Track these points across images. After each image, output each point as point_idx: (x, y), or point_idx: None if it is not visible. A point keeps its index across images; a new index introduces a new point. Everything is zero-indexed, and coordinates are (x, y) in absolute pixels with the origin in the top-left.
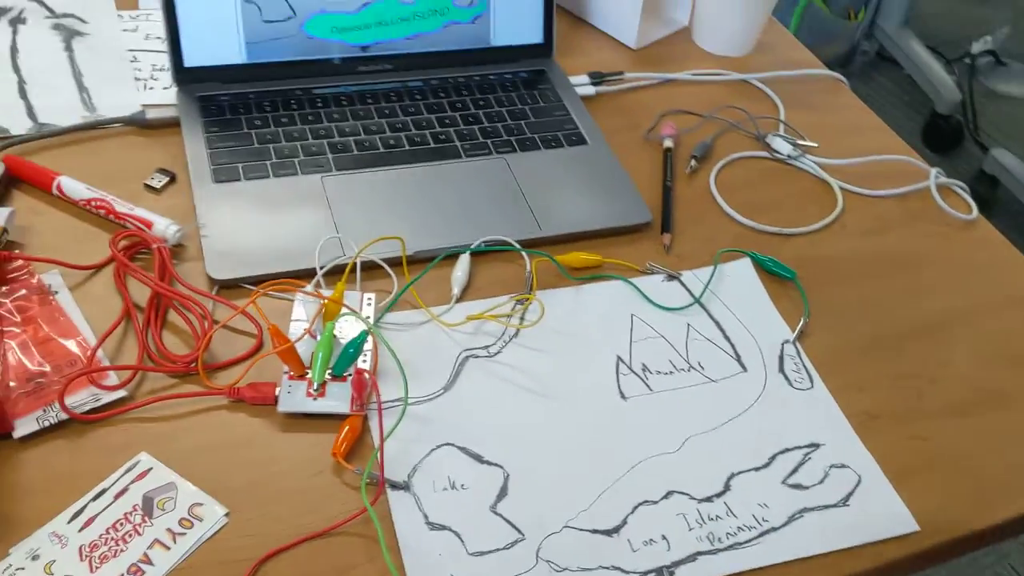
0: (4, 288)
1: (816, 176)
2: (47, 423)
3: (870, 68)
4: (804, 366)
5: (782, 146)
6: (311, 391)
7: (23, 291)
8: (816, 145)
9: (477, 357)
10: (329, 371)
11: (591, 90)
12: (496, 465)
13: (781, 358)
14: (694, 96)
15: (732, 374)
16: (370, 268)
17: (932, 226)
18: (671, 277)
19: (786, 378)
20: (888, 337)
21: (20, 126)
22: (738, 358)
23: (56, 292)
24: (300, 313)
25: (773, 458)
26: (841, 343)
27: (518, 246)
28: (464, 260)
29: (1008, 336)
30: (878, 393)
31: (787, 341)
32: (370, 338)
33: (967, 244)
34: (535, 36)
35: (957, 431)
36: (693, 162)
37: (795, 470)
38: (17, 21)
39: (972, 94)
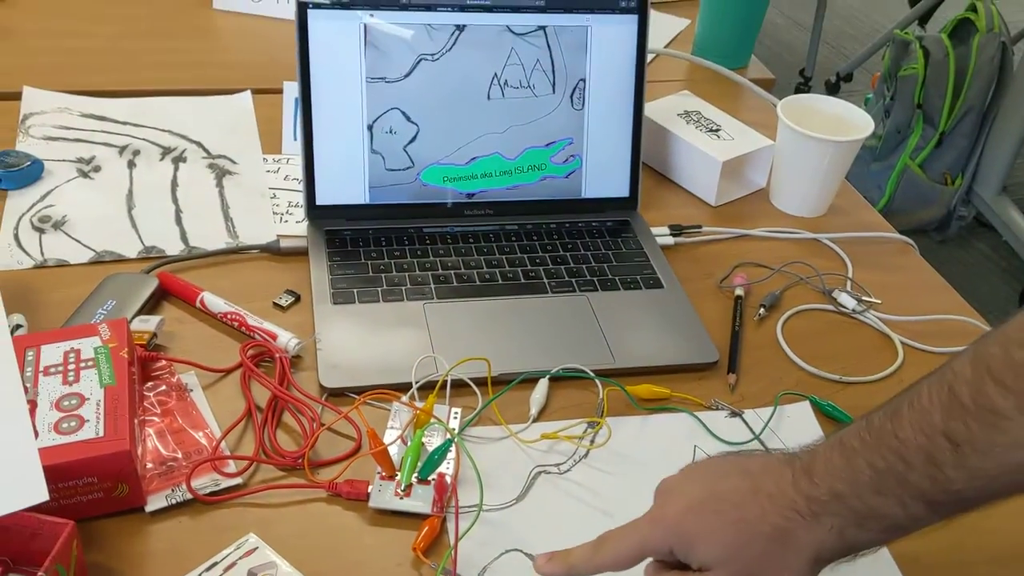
0: (149, 384)
1: (879, 330)
2: (174, 501)
3: (967, 234)
4: None
5: (847, 301)
6: (399, 491)
7: (164, 387)
8: (880, 302)
9: (548, 473)
10: (416, 474)
11: (670, 240)
12: None
13: None
14: (767, 251)
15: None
16: (459, 385)
17: None
18: (734, 414)
19: None
20: None
21: (174, 248)
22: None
23: (191, 390)
24: (395, 421)
25: None
26: None
27: (592, 374)
28: (543, 384)
29: None
30: (930, 543)
31: None
32: (453, 447)
33: None
34: (622, 190)
35: None
36: (762, 310)
37: None
38: (179, 160)
39: None
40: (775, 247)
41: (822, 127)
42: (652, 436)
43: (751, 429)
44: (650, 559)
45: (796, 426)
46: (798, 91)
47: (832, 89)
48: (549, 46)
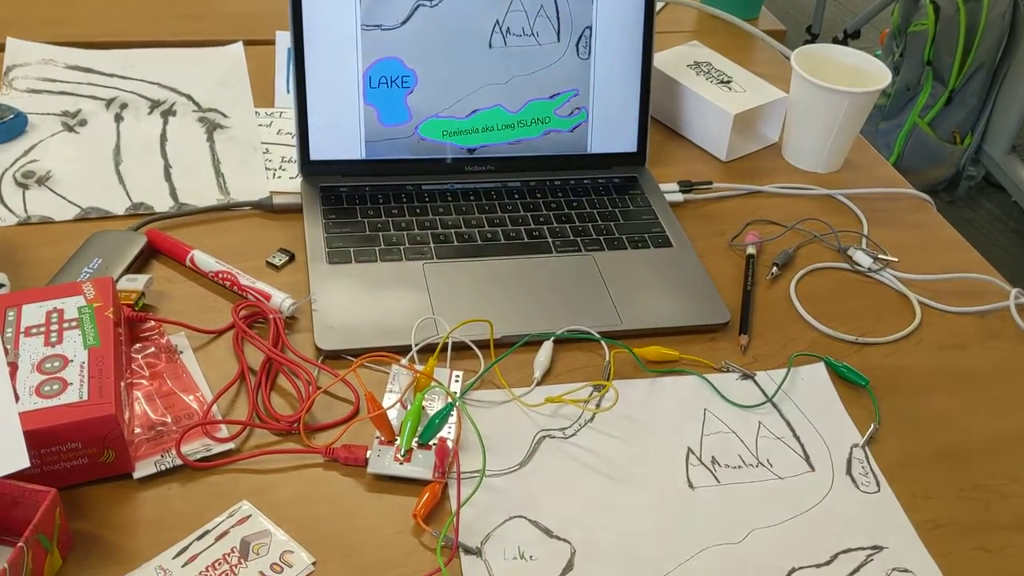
0: (137, 345)
1: (895, 290)
2: (163, 467)
3: (977, 193)
4: (872, 471)
5: (863, 259)
6: (398, 456)
7: (152, 349)
8: (897, 260)
9: (553, 438)
10: (416, 439)
11: (680, 197)
12: (564, 540)
13: (849, 461)
14: (779, 208)
15: (799, 473)
16: (460, 348)
17: (1010, 344)
18: (745, 376)
19: (853, 481)
20: (958, 449)
21: (163, 204)
22: (807, 458)
23: (181, 352)
24: (394, 384)
25: (835, 556)
26: (910, 451)
27: (598, 336)
28: (547, 346)
29: None
30: (945, 503)
31: (856, 445)
32: (455, 412)
33: None
34: (630, 145)
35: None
36: (775, 269)
37: (856, 570)
38: (168, 113)
39: None
40: (788, 204)
41: (837, 78)
42: (660, 399)
43: (763, 391)
44: None
45: (810, 388)
46: None
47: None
48: None
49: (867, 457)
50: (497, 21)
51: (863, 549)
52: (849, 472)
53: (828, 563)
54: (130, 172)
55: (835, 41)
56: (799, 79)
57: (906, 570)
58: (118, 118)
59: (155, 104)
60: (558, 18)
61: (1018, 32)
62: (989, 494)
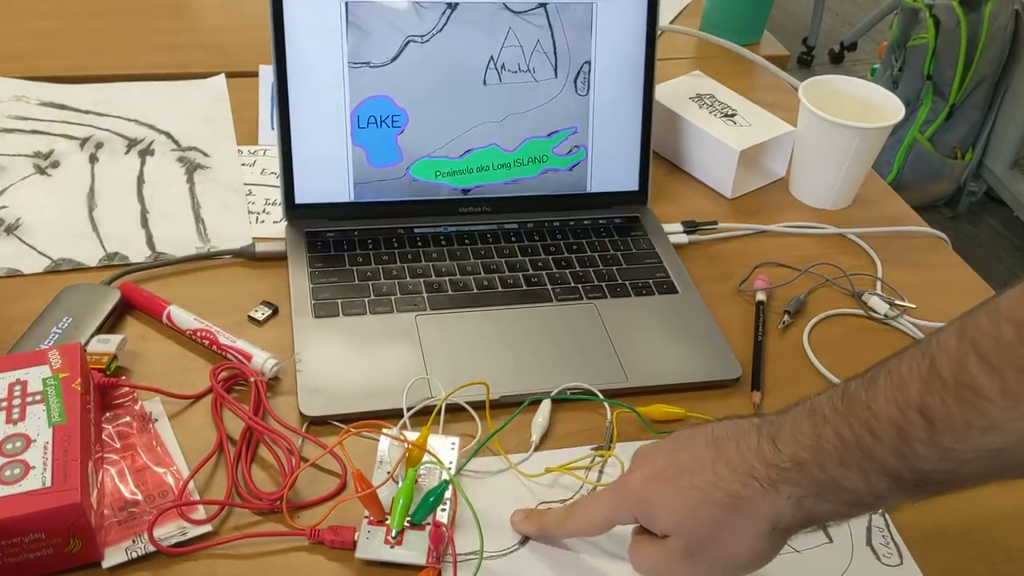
0: (108, 414)
1: (914, 338)
2: (135, 555)
3: (978, 209)
4: (893, 540)
5: (879, 305)
6: (389, 538)
7: (126, 418)
8: (914, 306)
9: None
10: (408, 518)
11: (684, 238)
12: None
13: (869, 530)
14: (788, 248)
15: (817, 544)
16: (455, 410)
17: None
18: None
19: (874, 552)
20: (990, 520)
21: (139, 254)
22: (824, 528)
23: (156, 420)
24: (385, 454)
25: None
26: (935, 519)
27: (600, 396)
28: (545, 407)
29: None
30: (973, 561)
31: (875, 512)
32: (450, 487)
33: None
34: (631, 184)
35: None
36: (786, 317)
37: None
38: (146, 152)
39: None
40: (797, 244)
41: (847, 111)
42: None
43: None
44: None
45: None
46: (800, 62)
47: (836, 59)
48: (551, 25)
49: (887, 525)
50: (492, 57)
51: None
52: (869, 543)
53: None
54: (104, 218)
55: (831, 54)
56: (807, 113)
57: None
58: (93, 159)
59: (132, 143)
60: (555, 53)
61: (1020, 45)
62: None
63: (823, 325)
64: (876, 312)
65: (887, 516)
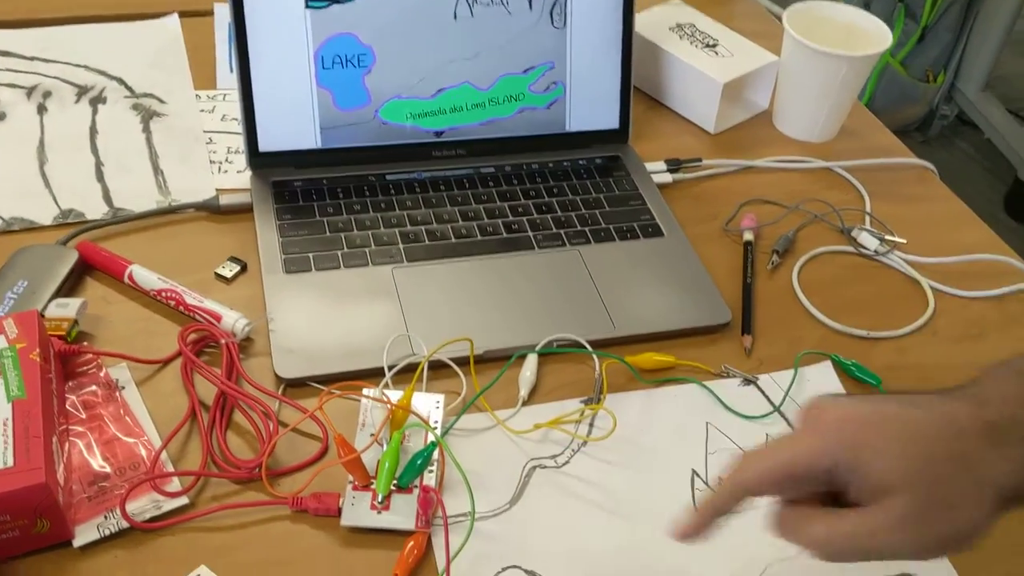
0: (71, 383)
1: (905, 274)
2: (107, 531)
3: (950, 132)
4: None
5: (869, 241)
6: (375, 503)
7: (91, 386)
8: (904, 241)
9: (544, 467)
10: (394, 482)
11: (668, 178)
12: None
13: None
14: (775, 184)
15: None
16: (438, 367)
17: None
18: (748, 381)
19: None
20: None
21: (96, 211)
22: None
23: (123, 387)
24: (367, 417)
25: None
26: None
27: (589, 347)
28: (532, 360)
29: None
30: None
31: None
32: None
33: None
34: (611, 122)
35: None
36: (775, 257)
37: None
38: (98, 101)
39: None
40: (783, 179)
41: (832, 39)
42: (658, 414)
43: (768, 399)
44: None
45: (818, 391)
46: None
47: None
48: None
49: None
50: None
51: None
52: None
53: None
54: (57, 173)
55: None
56: (792, 42)
57: None
58: (41, 109)
59: (82, 91)
60: None
61: None
62: None
63: (812, 264)
64: (866, 248)
65: None
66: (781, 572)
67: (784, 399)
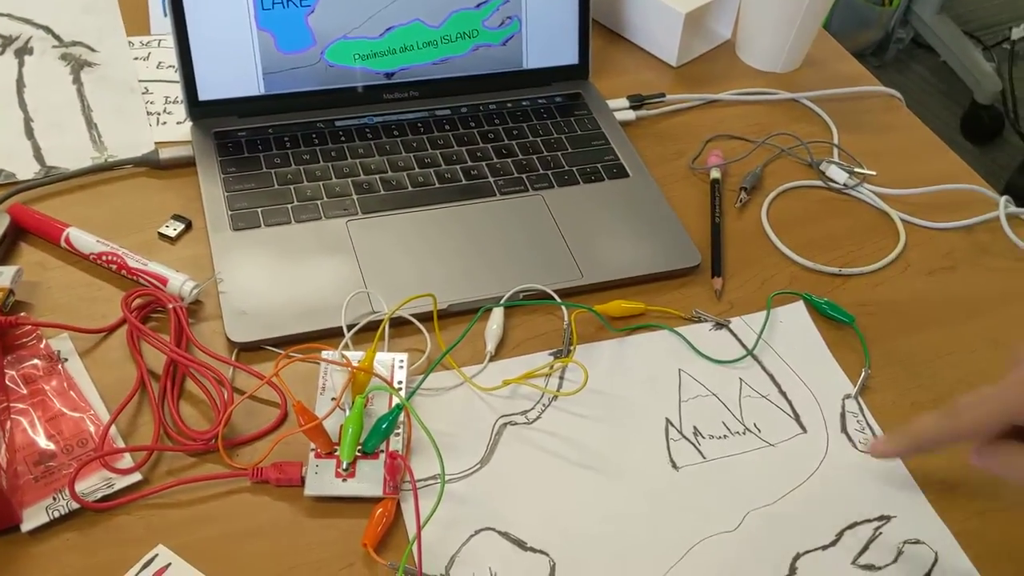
0: (10, 357)
1: (875, 207)
2: (57, 513)
3: (906, 56)
4: (868, 425)
5: (837, 174)
6: (340, 471)
7: (31, 360)
8: (874, 173)
9: (515, 424)
10: (359, 448)
11: (631, 115)
12: (541, 552)
13: (843, 416)
14: (740, 117)
15: (791, 436)
16: (401, 323)
17: (1004, 262)
18: (719, 325)
19: (849, 439)
20: (964, 390)
21: (27, 170)
22: (796, 417)
23: (66, 359)
24: (328, 380)
25: (841, 534)
26: (909, 398)
27: (556, 298)
28: (498, 313)
29: None
30: (955, 457)
31: (848, 396)
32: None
33: None
34: (570, 57)
35: None
36: (743, 194)
37: (865, 548)
38: (24, 51)
39: (1013, 82)
40: (749, 112)
41: None
42: (630, 363)
43: (741, 342)
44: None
45: (791, 333)
46: None
47: None
48: None
49: (861, 409)
50: None
51: (869, 521)
52: (844, 430)
53: (834, 543)
54: None
55: None
56: None
57: (918, 541)
58: None
59: (7, 41)
60: None
61: None
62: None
63: (781, 200)
64: (835, 182)
65: (860, 400)
66: (762, 520)
67: (757, 342)
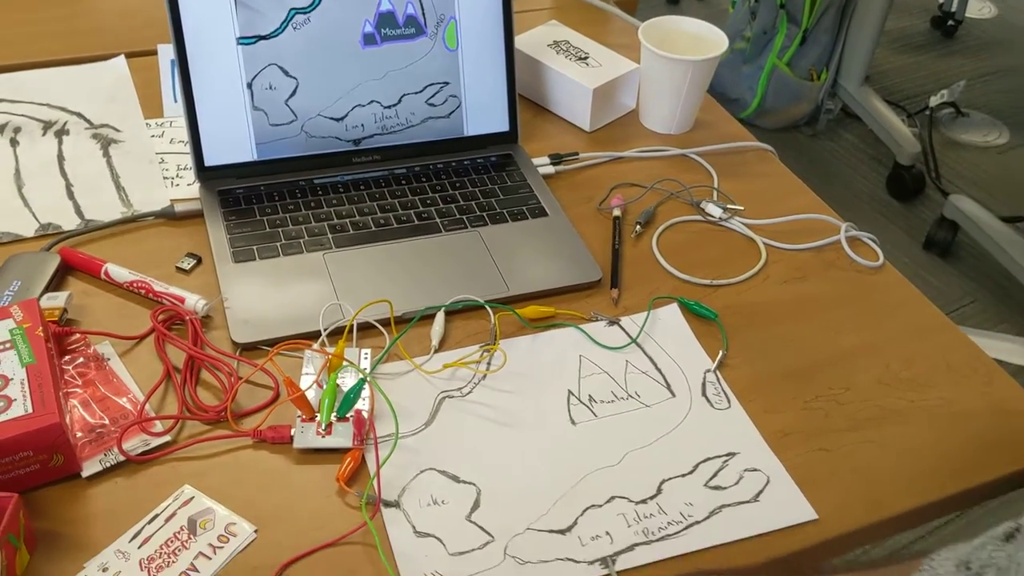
0: (66, 357)
1: (744, 235)
2: (108, 464)
3: (836, 125)
4: (723, 391)
5: (714, 210)
6: (320, 430)
7: (81, 359)
8: (743, 208)
9: (452, 397)
10: (334, 414)
11: (552, 169)
12: (470, 483)
13: (704, 384)
14: (640, 170)
15: (663, 399)
16: (365, 328)
17: (844, 273)
18: (612, 322)
19: (708, 400)
20: (801, 368)
21: (70, 222)
22: (668, 386)
23: (108, 359)
24: (309, 367)
25: (697, 466)
26: (759, 373)
27: (482, 302)
28: (440, 317)
29: (908, 363)
30: (790, 414)
31: (708, 370)
32: (367, 385)
33: (874, 287)
34: (502, 125)
35: (857, 443)
36: (638, 227)
37: (715, 474)
38: (62, 132)
39: (932, 144)
40: (647, 166)
41: (682, 46)
42: (542, 352)
43: (628, 334)
44: None
45: (667, 327)
46: (669, 0)
47: None
48: None
49: (718, 380)
50: (367, 21)
51: (719, 457)
52: (704, 394)
53: (692, 472)
54: (34, 194)
55: None
56: (647, 52)
57: (755, 469)
58: (13, 142)
59: (47, 125)
60: (423, 14)
61: None
62: (828, 403)
63: (669, 232)
64: (712, 216)
65: (718, 373)
66: (638, 457)
67: (639, 333)
